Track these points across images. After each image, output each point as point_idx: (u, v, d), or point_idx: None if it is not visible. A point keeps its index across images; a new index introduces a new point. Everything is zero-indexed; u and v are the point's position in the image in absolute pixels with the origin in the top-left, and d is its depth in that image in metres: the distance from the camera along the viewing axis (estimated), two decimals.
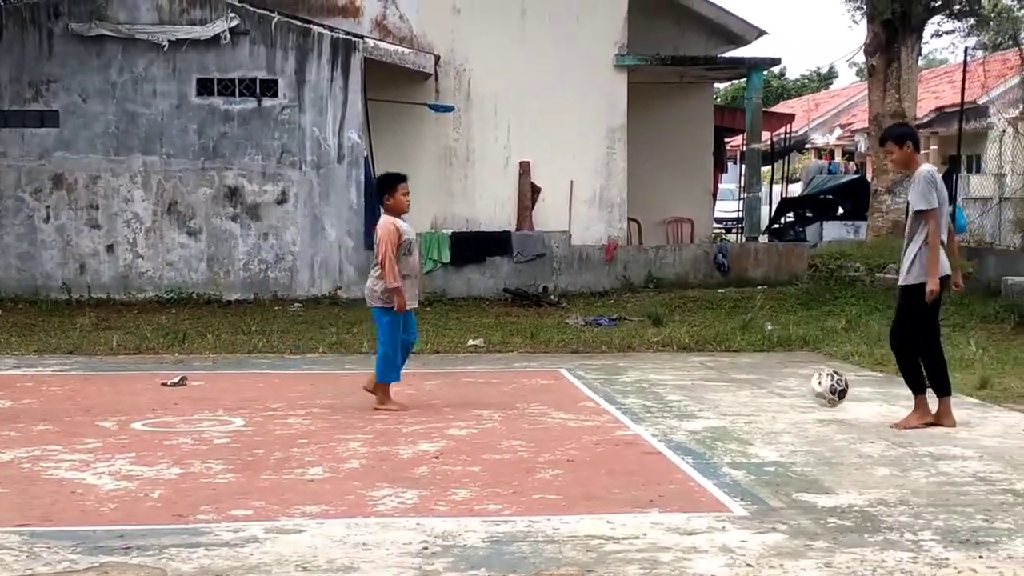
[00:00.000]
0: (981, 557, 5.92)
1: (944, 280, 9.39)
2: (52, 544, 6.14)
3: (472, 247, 20.49)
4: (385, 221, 10.34)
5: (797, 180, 33.94)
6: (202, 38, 19.63)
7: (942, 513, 6.79)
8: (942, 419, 9.44)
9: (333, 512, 6.88)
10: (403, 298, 10.22)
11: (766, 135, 28.13)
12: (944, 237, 9.41)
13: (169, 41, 19.59)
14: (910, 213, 9.43)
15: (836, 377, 9.80)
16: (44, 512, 6.87)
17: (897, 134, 9.70)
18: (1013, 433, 9.28)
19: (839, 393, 9.75)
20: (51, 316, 17.62)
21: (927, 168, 9.45)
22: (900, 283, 9.55)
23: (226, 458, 8.40)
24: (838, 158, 39.08)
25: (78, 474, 7.89)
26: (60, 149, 19.73)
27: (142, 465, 8.15)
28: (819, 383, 9.79)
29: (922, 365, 9.50)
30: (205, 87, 19.82)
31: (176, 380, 11.81)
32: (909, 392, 9.62)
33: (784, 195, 30.39)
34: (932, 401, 9.54)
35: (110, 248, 19.83)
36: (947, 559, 5.89)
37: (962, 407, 10.39)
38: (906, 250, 9.42)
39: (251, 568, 5.76)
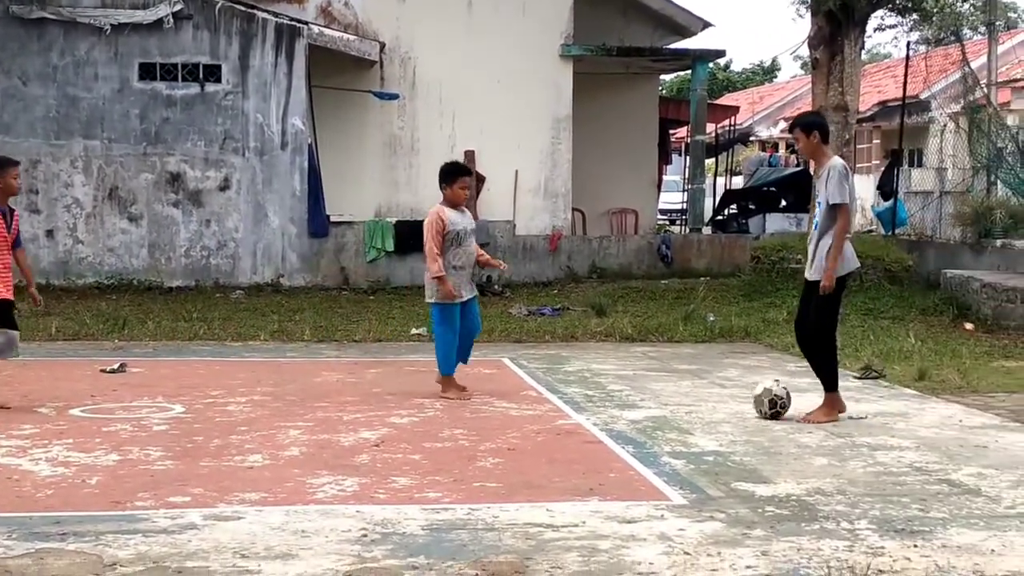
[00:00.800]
0: (916, 546, 5.98)
1: (849, 275, 9.45)
2: None
3: (416, 236, 19.63)
4: (432, 211, 10.42)
5: (740, 173, 34.11)
6: (145, 22, 19.44)
7: (878, 502, 6.85)
8: (830, 414, 9.37)
9: (272, 499, 6.86)
10: (447, 286, 10.20)
11: (711, 127, 28.21)
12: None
13: (111, 25, 19.40)
14: (822, 206, 9.31)
15: (780, 399, 9.53)
16: None
17: (805, 122, 9.54)
18: (949, 424, 9.35)
19: (774, 405, 9.48)
20: None
21: (839, 161, 9.42)
22: (808, 277, 9.44)
23: (165, 445, 8.37)
24: (781, 151, 39.30)
25: (14, 460, 7.84)
26: None
27: (80, 451, 8.11)
28: (765, 389, 9.57)
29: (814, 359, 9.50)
30: (147, 72, 19.65)
31: (116, 367, 11.72)
32: (848, 383, 9.68)
33: (728, 187, 30.53)
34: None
35: (50, 233, 19.62)
36: (883, 548, 5.94)
37: (900, 398, 10.56)
38: (817, 243, 9.33)
39: (189, 555, 5.74)
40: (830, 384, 9.45)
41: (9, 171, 9.90)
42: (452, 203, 10.42)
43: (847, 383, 10.46)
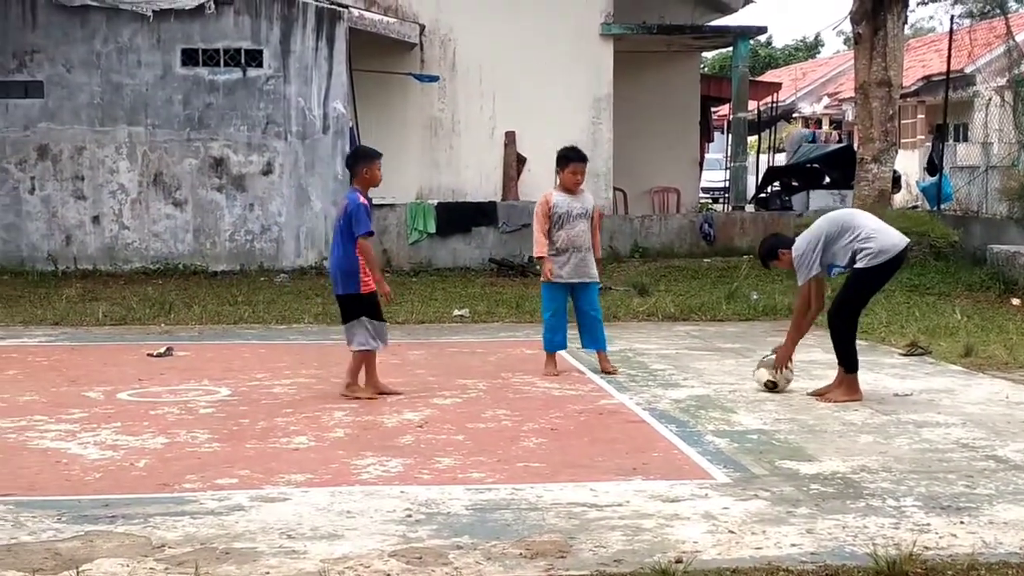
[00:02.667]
0: (962, 523, 5.95)
1: (892, 262, 9.19)
2: (37, 513, 6.14)
3: (457, 217, 20.50)
4: (542, 195, 10.82)
5: (784, 149, 33.95)
6: (187, 8, 19.55)
7: (924, 479, 6.81)
8: (850, 394, 9.31)
9: (318, 480, 6.89)
10: (548, 265, 10.57)
11: (753, 104, 28.14)
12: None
13: (154, 11, 19.53)
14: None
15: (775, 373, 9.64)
16: (30, 482, 6.87)
17: (764, 253, 9.81)
18: (996, 400, 9.28)
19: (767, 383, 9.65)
20: (37, 287, 17.59)
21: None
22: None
23: (211, 427, 8.40)
24: (824, 127, 39.07)
25: (64, 444, 7.88)
26: (45, 120, 19.66)
27: (128, 435, 8.14)
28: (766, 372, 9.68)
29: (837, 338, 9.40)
30: (190, 57, 19.76)
31: (163, 351, 11.80)
32: (893, 360, 9.60)
33: (771, 164, 30.38)
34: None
35: (96, 219, 19.80)
36: (928, 524, 5.92)
37: (946, 374, 10.49)
38: None
39: (236, 536, 5.77)
40: (847, 365, 9.34)
41: (375, 162, 9.70)
42: (564, 187, 10.66)
43: (893, 360, 10.38)
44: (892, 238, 9.20)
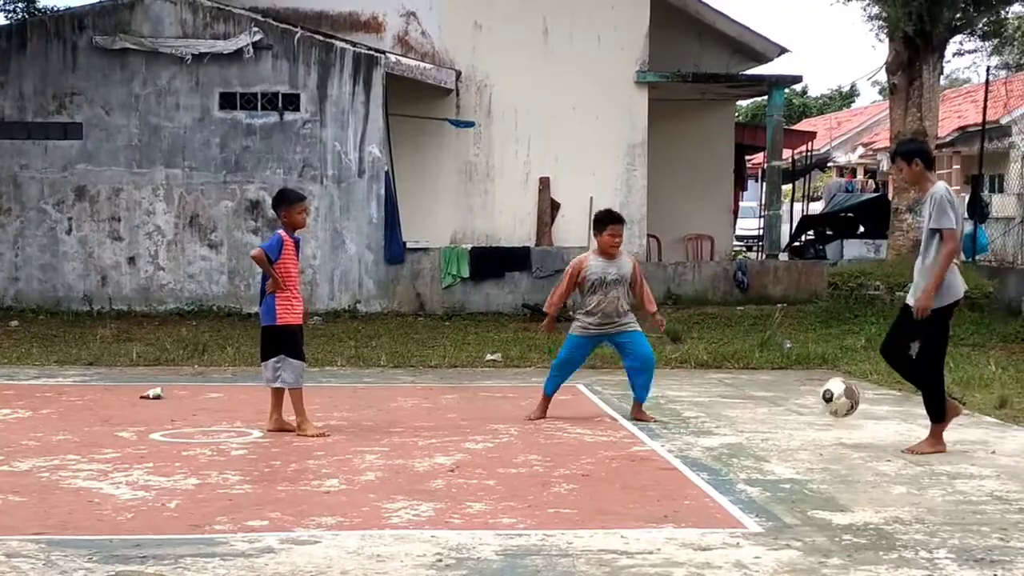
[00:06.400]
0: (996, 575, 5.93)
1: (955, 304, 9.19)
2: (69, 552, 6.16)
3: (491, 262, 20.61)
4: (578, 256, 10.86)
5: (819, 198, 33.98)
6: (225, 52, 19.85)
7: (958, 531, 6.75)
8: (936, 446, 9.24)
9: (348, 524, 6.89)
10: (549, 325, 11.04)
11: (787, 153, 28.17)
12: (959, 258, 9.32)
13: (192, 55, 19.81)
14: (925, 231, 9.15)
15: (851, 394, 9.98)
16: (61, 521, 6.89)
17: (905, 151, 9.42)
18: None
19: (846, 406, 10.01)
20: (72, 327, 17.77)
21: (943, 186, 9.20)
22: (908, 300, 9.26)
23: (243, 469, 8.47)
24: (859, 176, 39.06)
25: (96, 483, 7.93)
26: (83, 161, 19.95)
27: (159, 475, 8.20)
28: (838, 394, 10.03)
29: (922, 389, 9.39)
30: (228, 101, 20.02)
31: (153, 394, 11.76)
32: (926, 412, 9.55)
33: (805, 213, 30.43)
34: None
35: (131, 260, 20.01)
36: None
37: (980, 426, 10.43)
38: (921, 269, 9.16)
39: None
40: (934, 415, 9.22)
41: (296, 206, 10.02)
42: (601, 251, 10.58)
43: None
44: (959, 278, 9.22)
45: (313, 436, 9.64)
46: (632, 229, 21.89)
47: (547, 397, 10.83)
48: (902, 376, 9.83)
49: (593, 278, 10.45)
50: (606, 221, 10.58)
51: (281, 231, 9.90)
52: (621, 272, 10.53)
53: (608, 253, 10.53)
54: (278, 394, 10.03)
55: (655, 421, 10.55)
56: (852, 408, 10.19)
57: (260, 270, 10.15)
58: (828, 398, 10.15)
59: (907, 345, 9.33)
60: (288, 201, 9.98)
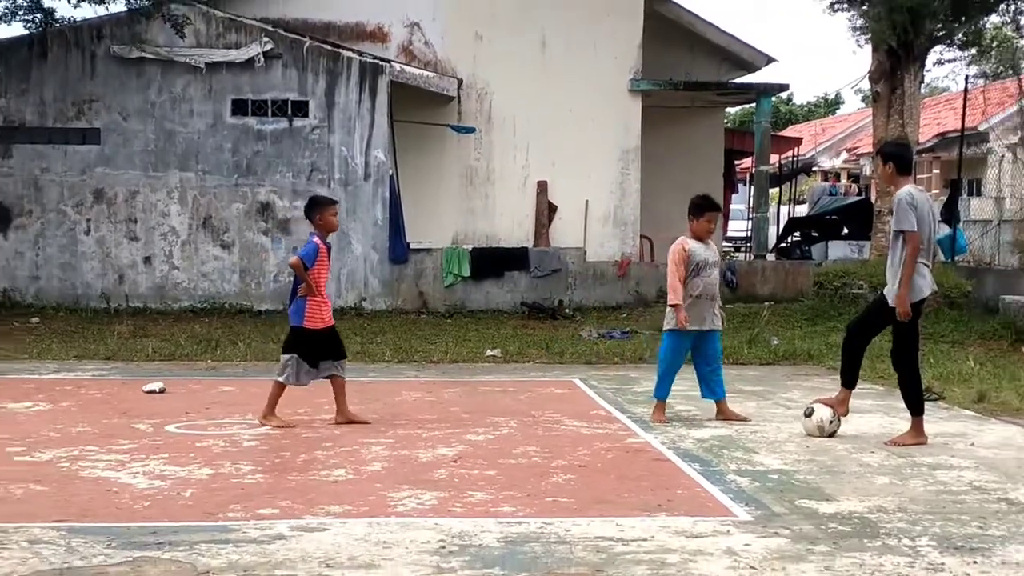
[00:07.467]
0: (975, 562, 6.00)
1: (921, 302, 9.26)
2: (88, 539, 6.27)
3: (491, 262, 21.03)
4: (677, 241, 10.50)
5: (804, 201, 34.45)
6: (237, 61, 20.38)
7: (938, 520, 6.85)
8: (917, 438, 9.34)
9: (355, 512, 6.98)
10: (682, 314, 10.23)
11: (774, 158, 28.41)
12: (927, 258, 9.34)
13: (206, 64, 20.36)
14: (891, 233, 9.39)
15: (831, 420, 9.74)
16: (81, 509, 6.99)
17: (884, 152, 9.69)
18: (1008, 445, 9.33)
19: (813, 430, 9.75)
20: (90, 324, 18.02)
21: (905, 190, 9.27)
22: (886, 296, 9.44)
23: (255, 459, 8.55)
24: (843, 180, 39.63)
25: (114, 473, 8.02)
26: (101, 165, 20.48)
27: (175, 465, 8.28)
28: (817, 418, 9.74)
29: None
30: (239, 107, 20.55)
31: (155, 388, 11.88)
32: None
33: (791, 216, 30.70)
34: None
35: (147, 260, 20.56)
36: (943, 564, 5.97)
37: (960, 419, 10.55)
38: (888, 271, 9.40)
39: (277, 564, 5.87)
40: (913, 408, 9.35)
41: (329, 208, 10.30)
42: (696, 235, 10.46)
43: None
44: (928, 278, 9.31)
45: (276, 427, 9.79)
46: (626, 231, 22.49)
47: (662, 402, 10.56)
48: (845, 359, 9.72)
49: (698, 259, 10.31)
50: (704, 207, 10.46)
51: (315, 238, 10.05)
52: (714, 256, 10.52)
53: (702, 238, 10.44)
54: (338, 386, 10.16)
55: (747, 420, 10.39)
56: (819, 434, 9.67)
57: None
58: (808, 414, 9.77)
59: (868, 337, 9.66)
60: (321, 205, 10.26)
